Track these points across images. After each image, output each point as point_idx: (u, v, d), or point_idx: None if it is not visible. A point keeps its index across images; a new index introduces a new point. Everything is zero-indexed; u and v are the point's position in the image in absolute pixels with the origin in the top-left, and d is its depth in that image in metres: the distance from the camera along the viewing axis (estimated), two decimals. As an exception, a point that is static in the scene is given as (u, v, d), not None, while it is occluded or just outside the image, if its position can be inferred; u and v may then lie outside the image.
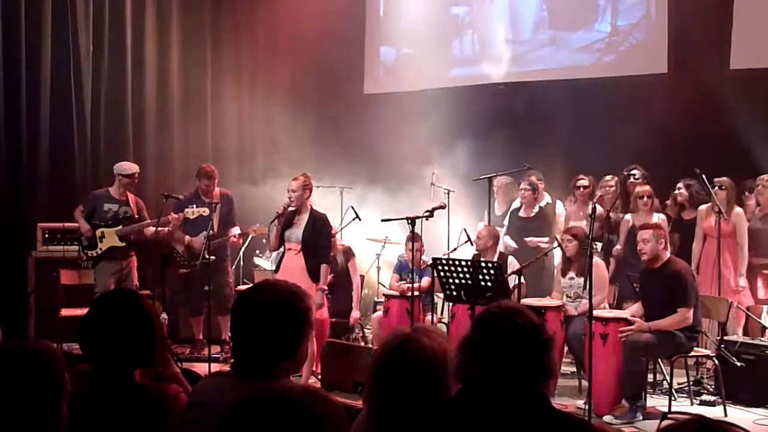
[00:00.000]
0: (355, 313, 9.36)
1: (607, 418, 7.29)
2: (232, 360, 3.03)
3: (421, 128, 10.98)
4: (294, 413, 1.93)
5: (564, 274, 8.45)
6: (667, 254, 7.66)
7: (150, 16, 11.65)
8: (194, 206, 9.32)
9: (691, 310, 7.35)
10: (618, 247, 9.20)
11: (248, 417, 1.95)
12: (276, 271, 8.29)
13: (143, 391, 3.07)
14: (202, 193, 9.71)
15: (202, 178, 9.72)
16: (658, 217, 8.88)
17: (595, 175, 9.78)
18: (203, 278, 8.97)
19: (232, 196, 9.99)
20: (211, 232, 9.05)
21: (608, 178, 9.64)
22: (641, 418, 7.30)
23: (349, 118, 12.30)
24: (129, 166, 9.55)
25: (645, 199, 8.96)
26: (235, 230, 9.76)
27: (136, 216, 9.43)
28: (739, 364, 7.70)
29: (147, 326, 3.10)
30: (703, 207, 8.87)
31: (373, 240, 10.48)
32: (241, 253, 10.57)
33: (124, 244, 9.20)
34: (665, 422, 2.15)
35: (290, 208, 8.15)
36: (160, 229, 9.14)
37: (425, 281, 9.07)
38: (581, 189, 9.69)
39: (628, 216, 9.21)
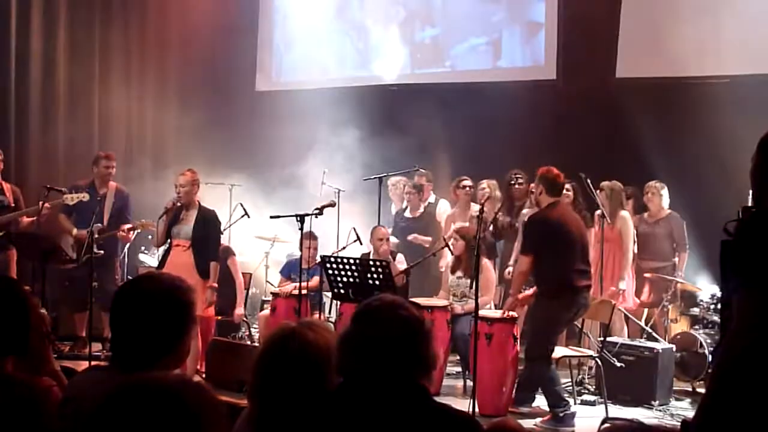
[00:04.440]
0: (239, 310, 9.22)
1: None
2: (110, 354, 2.94)
3: (313, 127, 10.95)
4: (165, 401, 1.87)
5: (453, 272, 8.52)
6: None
7: (36, 6, 11.29)
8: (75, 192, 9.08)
9: (529, 257, 7.33)
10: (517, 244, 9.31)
11: (118, 407, 1.88)
12: (160, 267, 8.14)
13: (12, 382, 2.96)
14: (101, 177, 9.44)
15: (101, 160, 9.48)
16: None
17: (480, 178, 9.87)
18: (89, 273, 8.73)
19: (128, 194, 9.72)
20: (99, 225, 8.84)
21: (483, 183, 9.72)
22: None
23: (240, 114, 12.17)
24: None
25: None
26: (126, 226, 9.52)
27: (12, 204, 9.13)
28: (619, 364, 7.89)
29: (19, 312, 3.00)
30: (596, 213, 8.99)
31: (261, 238, 10.39)
32: (125, 250, 10.32)
33: (0, 233, 8.89)
34: (604, 426, 2.19)
35: (178, 204, 8.02)
36: (41, 216, 8.85)
37: (314, 280, 9.03)
38: (466, 189, 9.77)
39: (525, 210, 9.28)
